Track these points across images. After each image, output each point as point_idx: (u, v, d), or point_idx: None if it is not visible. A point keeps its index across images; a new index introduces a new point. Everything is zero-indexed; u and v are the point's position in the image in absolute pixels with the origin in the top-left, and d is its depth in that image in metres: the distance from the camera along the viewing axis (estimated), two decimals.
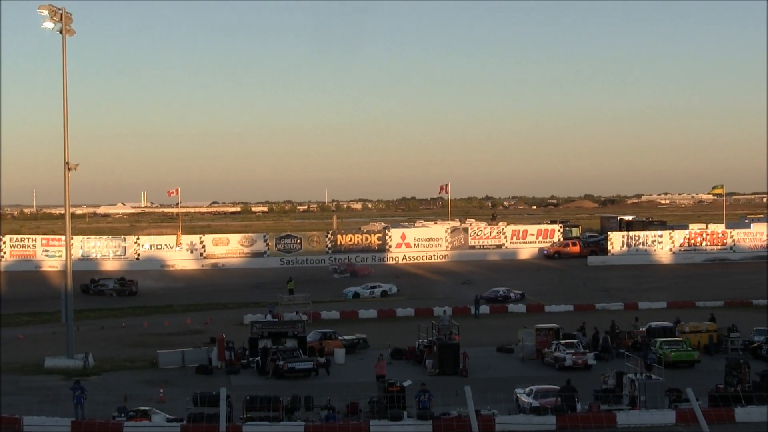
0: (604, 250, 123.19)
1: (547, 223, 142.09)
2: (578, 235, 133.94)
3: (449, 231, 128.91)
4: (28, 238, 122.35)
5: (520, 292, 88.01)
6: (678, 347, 56.38)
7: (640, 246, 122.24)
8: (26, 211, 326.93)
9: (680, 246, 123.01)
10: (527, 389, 44.16)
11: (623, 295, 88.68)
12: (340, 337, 62.29)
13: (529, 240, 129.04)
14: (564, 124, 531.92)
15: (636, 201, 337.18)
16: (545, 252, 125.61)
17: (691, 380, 44.18)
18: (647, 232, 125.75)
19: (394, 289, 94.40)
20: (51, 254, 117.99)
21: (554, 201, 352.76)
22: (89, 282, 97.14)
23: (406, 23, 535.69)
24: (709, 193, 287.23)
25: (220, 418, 16.81)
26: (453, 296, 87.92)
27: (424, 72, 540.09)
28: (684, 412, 39.43)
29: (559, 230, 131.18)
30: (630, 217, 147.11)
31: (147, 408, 41.74)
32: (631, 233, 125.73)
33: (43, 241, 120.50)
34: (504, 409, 41.48)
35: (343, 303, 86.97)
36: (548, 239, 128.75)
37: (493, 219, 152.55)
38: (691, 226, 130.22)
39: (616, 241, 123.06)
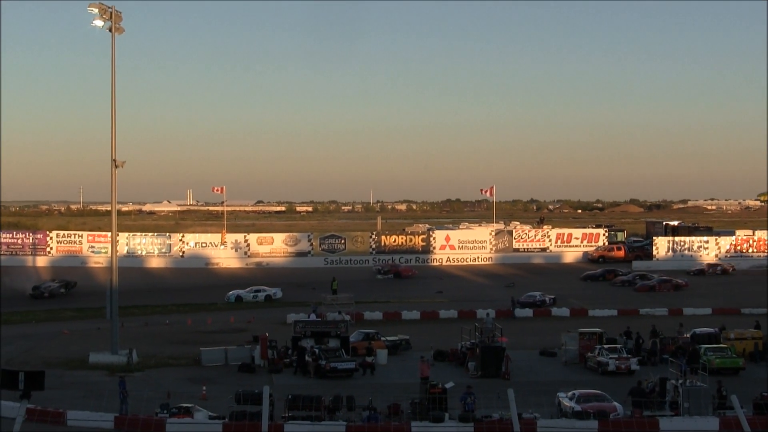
0: (649, 255, 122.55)
1: (592, 227, 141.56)
2: (623, 239, 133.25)
3: (493, 233, 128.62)
4: (75, 234, 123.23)
5: (553, 296, 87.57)
6: (723, 354, 56.01)
7: (686, 251, 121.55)
8: (73, 207, 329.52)
9: (726, 252, 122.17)
10: (569, 393, 43.96)
11: (667, 300, 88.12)
12: (382, 338, 62.25)
13: (573, 244, 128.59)
14: (609, 128, 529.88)
15: (682, 206, 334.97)
16: (589, 256, 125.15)
17: (736, 387, 43.85)
18: (693, 238, 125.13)
19: (279, 293, 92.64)
20: (97, 250, 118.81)
21: (599, 205, 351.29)
22: (33, 289, 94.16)
23: (457, 22, 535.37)
24: (756, 199, 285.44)
25: (262, 417, 16.87)
26: (497, 299, 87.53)
27: (469, 74, 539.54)
28: (728, 420, 39.09)
29: (604, 234, 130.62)
30: (676, 223, 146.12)
31: (189, 405, 41.89)
32: (677, 238, 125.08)
33: (89, 237, 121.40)
34: (546, 413, 41.32)
35: (386, 304, 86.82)
36: (593, 243, 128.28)
37: (540, 222, 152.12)
38: (737, 232, 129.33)
39: (661, 246, 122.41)
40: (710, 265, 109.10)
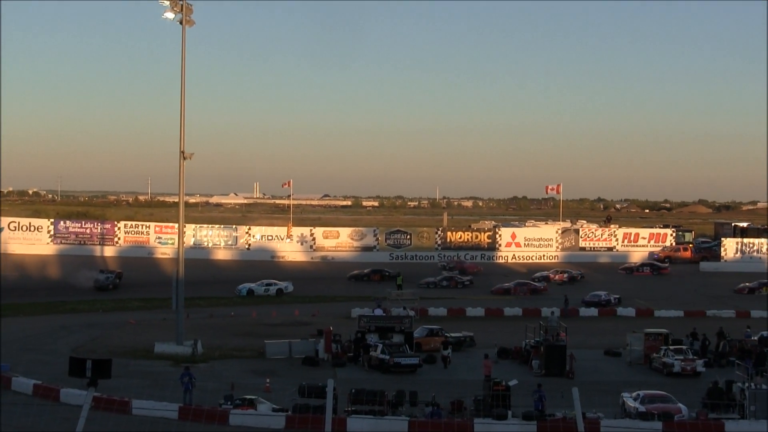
0: (716, 257, 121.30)
1: (660, 227, 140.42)
2: (691, 240, 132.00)
3: (560, 232, 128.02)
4: (142, 225, 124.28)
5: (617, 296, 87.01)
6: None
7: (755, 253, 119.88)
8: (141, 198, 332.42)
9: None
10: (634, 394, 43.64)
11: (735, 302, 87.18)
12: (446, 335, 62.13)
13: (640, 243, 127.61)
14: (678, 128, 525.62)
15: (752, 207, 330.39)
16: (655, 256, 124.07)
17: None
18: (762, 240, 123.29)
19: (290, 287, 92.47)
20: (164, 241, 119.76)
21: (667, 205, 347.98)
22: (95, 282, 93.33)
23: (526, 20, 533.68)
24: None
25: (326, 410, 16.84)
26: (562, 297, 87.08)
27: (538, 74, 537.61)
28: None
29: (671, 235, 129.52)
30: (745, 224, 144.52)
31: (253, 397, 42.13)
32: (746, 240, 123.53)
33: (157, 228, 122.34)
34: (610, 413, 41.08)
35: (450, 300, 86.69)
36: (660, 243, 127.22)
37: (607, 221, 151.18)
38: None
39: (729, 247, 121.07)
40: (557, 272, 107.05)
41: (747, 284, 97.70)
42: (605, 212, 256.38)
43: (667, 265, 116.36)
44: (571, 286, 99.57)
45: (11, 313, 74.77)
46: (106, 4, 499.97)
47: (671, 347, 56.83)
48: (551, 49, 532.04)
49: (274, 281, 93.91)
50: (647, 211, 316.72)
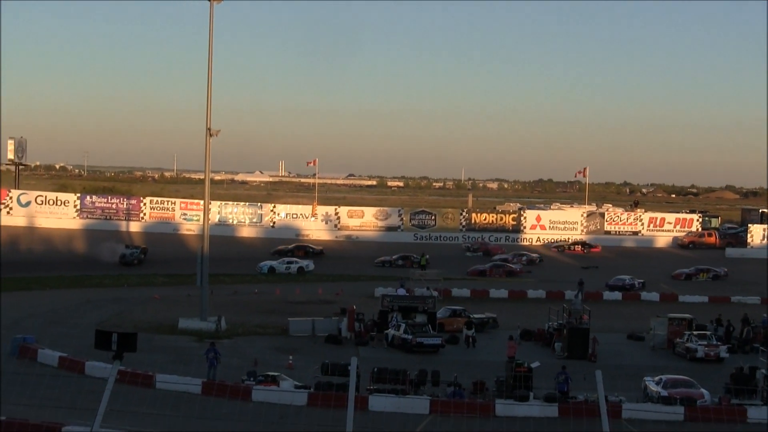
0: (743, 243, 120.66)
1: (686, 213, 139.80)
2: (717, 226, 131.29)
3: (585, 215, 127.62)
4: (168, 201, 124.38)
5: (642, 280, 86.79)
6: None
7: None
8: (167, 174, 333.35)
9: None
10: (656, 378, 43.56)
11: (761, 289, 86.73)
12: (470, 315, 62.16)
13: (666, 228, 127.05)
14: (705, 114, 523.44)
15: None
16: (679, 242, 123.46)
17: None
18: None
19: (311, 266, 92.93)
20: (189, 218, 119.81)
21: (694, 190, 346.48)
22: (120, 257, 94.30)
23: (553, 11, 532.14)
24: None
25: (349, 388, 16.89)
26: (586, 280, 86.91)
27: (565, 59, 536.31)
28: None
29: (697, 220, 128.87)
30: None
31: (276, 374, 42.30)
32: None
33: (182, 205, 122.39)
34: (632, 397, 41.07)
35: (474, 281, 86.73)
36: (686, 228, 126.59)
37: (634, 205, 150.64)
38: None
39: (756, 233, 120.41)
40: (516, 255, 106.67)
41: (684, 270, 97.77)
42: (631, 196, 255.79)
43: (597, 245, 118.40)
44: (534, 268, 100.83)
45: (38, 287, 75.53)
46: None
47: (695, 332, 56.67)
48: (578, 34, 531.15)
49: (296, 259, 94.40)
50: (674, 196, 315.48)
